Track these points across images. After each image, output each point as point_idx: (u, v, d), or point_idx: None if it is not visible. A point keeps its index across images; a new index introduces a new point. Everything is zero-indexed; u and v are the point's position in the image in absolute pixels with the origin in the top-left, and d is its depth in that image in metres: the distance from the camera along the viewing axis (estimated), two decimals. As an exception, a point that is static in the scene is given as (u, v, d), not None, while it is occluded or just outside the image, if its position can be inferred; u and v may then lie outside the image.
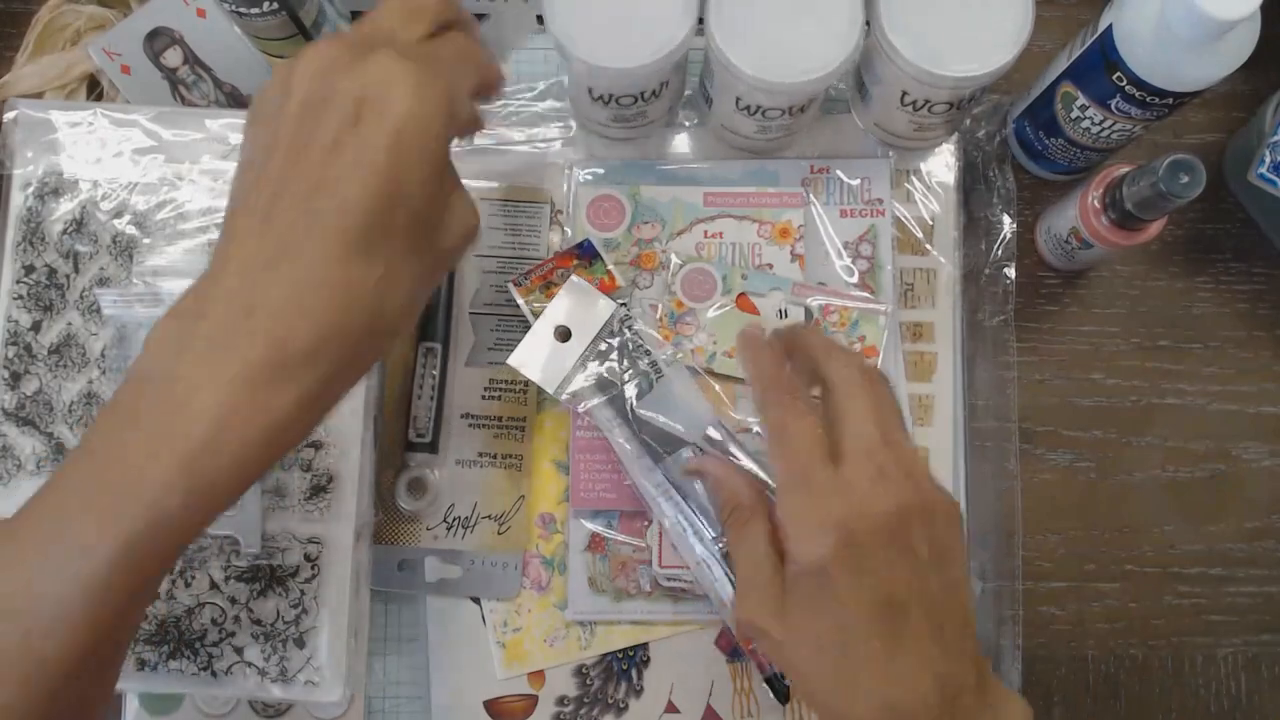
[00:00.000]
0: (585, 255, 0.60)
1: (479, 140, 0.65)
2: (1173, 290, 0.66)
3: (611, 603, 0.59)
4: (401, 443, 0.59)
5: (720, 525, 0.49)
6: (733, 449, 0.54)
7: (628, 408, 0.56)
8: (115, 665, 0.37)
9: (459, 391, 0.61)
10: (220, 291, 0.34)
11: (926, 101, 0.57)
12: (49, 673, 0.32)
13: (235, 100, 0.64)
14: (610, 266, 0.60)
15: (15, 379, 0.59)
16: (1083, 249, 0.60)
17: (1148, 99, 0.53)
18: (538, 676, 0.60)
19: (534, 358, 0.57)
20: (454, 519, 0.60)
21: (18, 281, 0.59)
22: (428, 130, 0.35)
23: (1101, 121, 0.57)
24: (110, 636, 0.34)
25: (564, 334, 0.57)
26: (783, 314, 0.60)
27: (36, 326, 0.59)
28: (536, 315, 0.58)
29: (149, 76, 0.63)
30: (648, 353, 0.57)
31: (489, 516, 0.60)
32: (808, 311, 0.61)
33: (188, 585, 0.56)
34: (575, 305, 0.57)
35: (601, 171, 0.63)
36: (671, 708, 0.60)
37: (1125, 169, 0.56)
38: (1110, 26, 0.52)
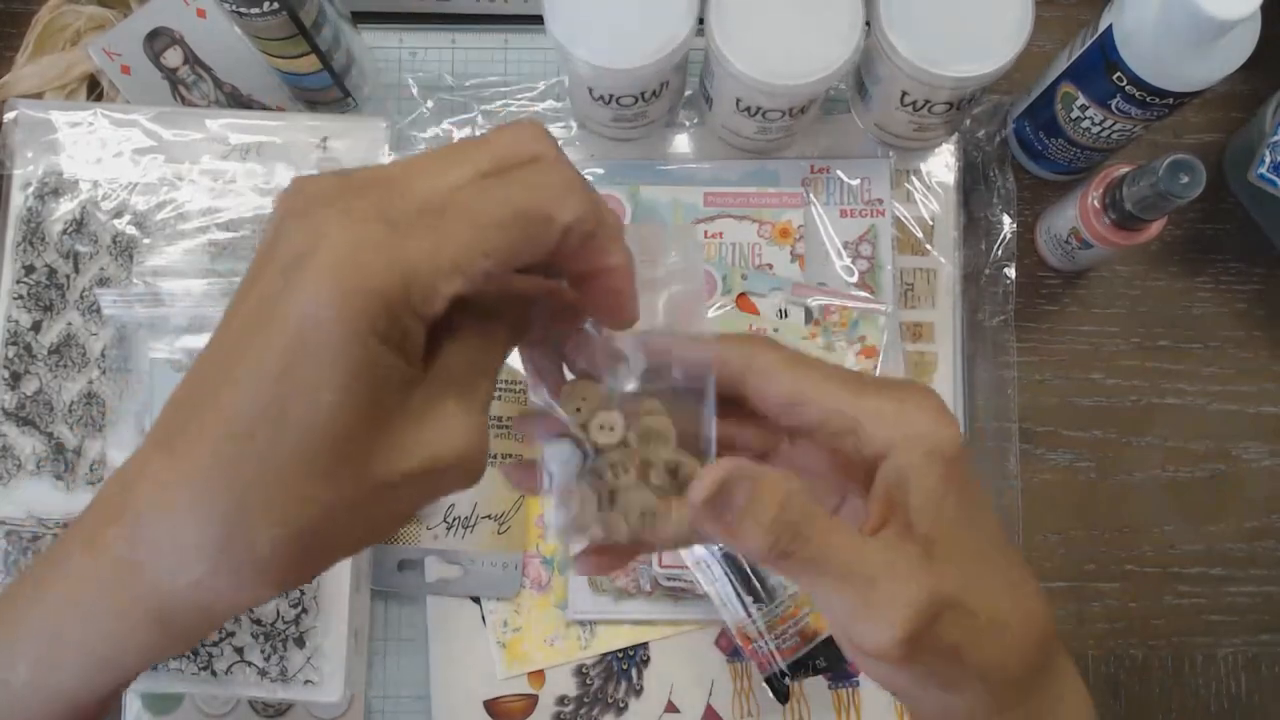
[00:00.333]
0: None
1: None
2: (1173, 290, 0.66)
3: (612, 603, 0.59)
4: (402, 443, 0.59)
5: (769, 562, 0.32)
6: None
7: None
8: None
9: (459, 391, 0.61)
10: (104, 509, 0.28)
11: (926, 102, 0.57)
12: None
13: (235, 100, 0.64)
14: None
15: (15, 379, 0.59)
16: (1083, 249, 0.60)
17: (1148, 99, 0.53)
18: (538, 676, 0.60)
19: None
20: (454, 519, 0.60)
21: (18, 281, 0.59)
22: (345, 322, 0.24)
23: (1101, 121, 0.57)
24: None
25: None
26: (783, 314, 0.60)
27: (37, 326, 0.59)
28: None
29: (149, 76, 0.63)
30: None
31: (489, 516, 0.60)
32: (808, 311, 0.61)
33: (188, 585, 0.56)
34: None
35: (601, 171, 0.63)
36: (671, 707, 0.60)
37: (1125, 169, 0.56)
38: (1110, 26, 0.52)
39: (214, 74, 0.63)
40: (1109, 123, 0.57)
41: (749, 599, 0.56)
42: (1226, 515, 0.64)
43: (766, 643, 0.57)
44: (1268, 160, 0.60)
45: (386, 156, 0.60)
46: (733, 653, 0.60)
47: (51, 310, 0.59)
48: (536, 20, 0.55)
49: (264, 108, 0.64)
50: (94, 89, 0.64)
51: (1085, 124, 0.58)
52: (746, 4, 0.54)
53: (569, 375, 0.33)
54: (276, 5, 0.53)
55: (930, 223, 0.64)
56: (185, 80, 0.63)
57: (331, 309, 0.24)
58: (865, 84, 0.61)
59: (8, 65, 0.64)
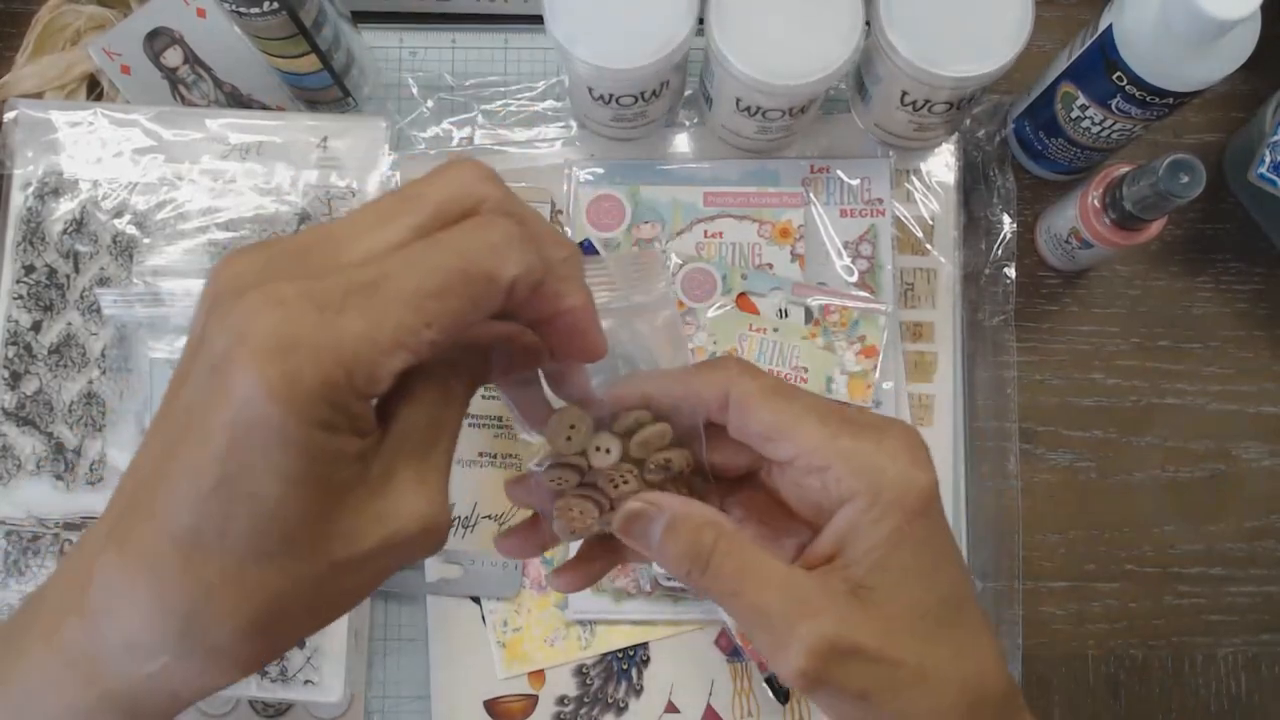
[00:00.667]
0: (585, 255, 0.60)
1: (479, 140, 0.65)
2: (1173, 290, 0.66)
3: (611, 603, 0.59)
4: (401, 443, 0.59)
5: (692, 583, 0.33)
6: None
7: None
8: None
9: (459, 391, 0.61)
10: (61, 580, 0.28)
11: (926, 101, 0.57)
12: None
13: (235, 100, 0.64)
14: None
15: (15, 379, 0.59)
16: (1083, 249, 0.60)
17: (1148, 99, 0.53)
18: (538, 676, 0.60)
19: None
20: (454, 519, 0.60)
21: (18, 281, 0.59)
22: (280, 420, 0.23)
23: (1101, 121, 0.57)
24: None
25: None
26: (783, 314, 0.60)
27: (37, 326, 0.59)
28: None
29: (149, 76, 0.63)
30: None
31: (489, 516, 0.60)
32: (808, 311, 0.61)
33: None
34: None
35: (601, 171, 0.63)
36: (671, 707, 0.60)
37: (1125, 169, 0.56)
38: (1110, 26, 0.52)
39: (214, 74, 0.63)
40: (1109, 122, 0.57)
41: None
42: (1226, 515, 0.64)
43: (766, 642, 0.57)
44: (1268, 160, 0.60)
45: (386, 156, 0.60)
46: (733, 653, 0.60)
47: (51, 310, 0.59)
48: (536, 20, 0.55)
49: (264, 107, 0.64)
50: (94, 89, 0.64)
51: (1085, 124, 0.58)
52: (746, 4, 0.54)
53: (556, 401, 0.33)
54: (276, 5, 0.53)
55: (930, 222, 0.64)
56: (185, 80, 0.63)
57: (264, 407, 0.23)
58: (865, 84, 0.61)
59: (8, 65, 0.64)
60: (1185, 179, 0.51)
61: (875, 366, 0.60)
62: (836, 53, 0.54)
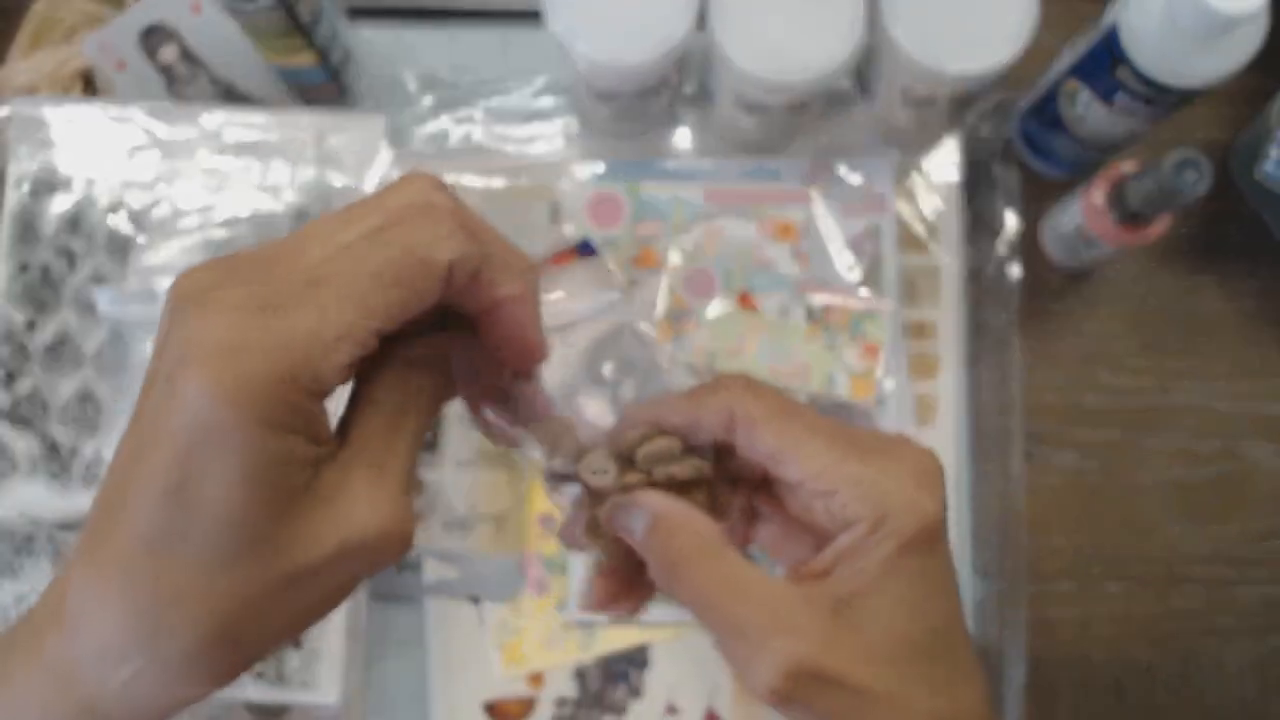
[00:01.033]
0: (585, 253, 0.60)
1: (477, 137, 0.64)
2: (1179, 289, 0.65)
3: (611, 604, 0.59)
4: (399, 442, 0.59)
5: (667, 586, 0.32)
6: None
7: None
8: None
9: (457, 391, 0.60)
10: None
11: (929, 98, 0.56)
12: None
13: (231, 96, 0.63)
14: (611, 265, 0.60)
15: (9, 378, 0.58)
16: (1087, 247, 0.60)
17: (1153, 95, 0.52)
18: (537, 678, 0.59)
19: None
20: (453, 519, 0.59)
21: (12, 279, 0.59)
22: (231, 421, 0.24)
23: (1106, 118, 0.56)
24: None
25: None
26: (785, 312, 0.60)
27: (31, 325, 0.58)
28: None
29: (144, 72, 0.63)
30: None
31: (488, 517, 0.60)
32: (810, 310, 0.60)
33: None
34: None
35: (602, 168, 0.63)
36: (671, 710, 0.59)
37: (1130, 166, 0.55)
38: (1115, 22, 0.52)
39: (209, 70, 0.63)
40: (1114, 120, 0.56)
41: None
42: (1234, 516, 0.63)
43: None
44: (1274, 157, 0.59)
45: (384, 152, 0.60)
46: (734, 655, 0.60)
47: (46, 308, 0.59)
48: (536, 15, 0.54)
49: (260, 104, 0.63)
50: (88, 85, 0.64)
51: (1090, 121, 0.57)
52: (748, 0, 0.54)
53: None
54: (273, 1, 0.52)
55: (933, 220, 0.63)
56: (180, 76, 0.63)
57: (214, 411, 0.24)
58: (868, 80, 0.60)
59: (1, 61, 0.64)
60: (1191, 177, 0.51)
61: (878, 365, 0.60)
62: (839, 49, 0.53)
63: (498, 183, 0.63)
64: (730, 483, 0.35)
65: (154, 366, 0.26)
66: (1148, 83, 0.52)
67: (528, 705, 0.59)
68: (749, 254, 0.61)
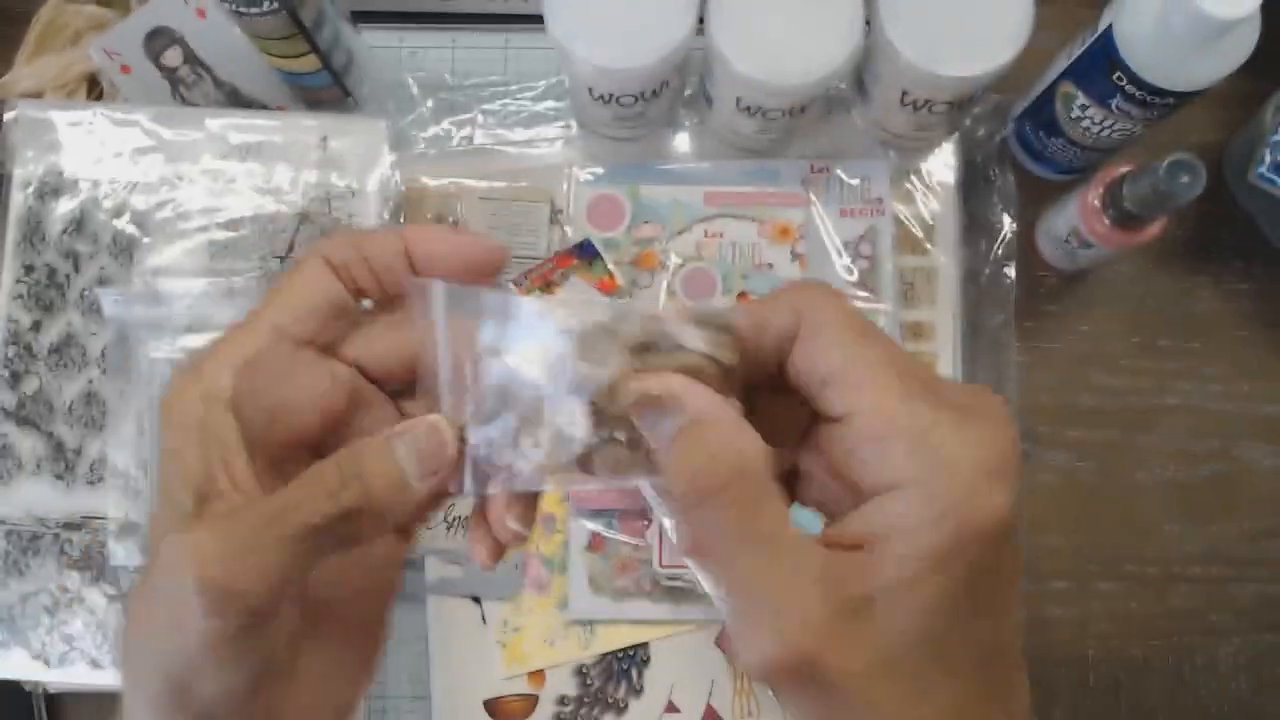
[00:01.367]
0: (585, 255, 0.60)
1: (479, 140, 0.65)
2: (1173, 290, 0.66)
3: (611, 602, 0.59)
4: (401, 442, 0.59)
5: (684, 511, 0.26)
6: None
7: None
8: None
9: (459, 391, 0.61)
10: None
11: (927, 101, 0.57)
12: None
13: (235, 100, 0.64)
14: (610, 266, 0.60)
15: (15, 378, 0.59)
16: (1083, 249, 0.60)
17: (1148, 98, 0.53)
18: (538, 676, 0.60)
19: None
20: (454, 519, 0.60)
21: (18, 281, 0.59)
22: (210, 608, 0.24)
23: (1102, 121, 0.57)
24: None
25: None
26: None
27: (37, 326, 0.59)
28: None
29: (149, 76, 0.63)
30: None
31: (489, 516, 0.60)
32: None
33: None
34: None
35: (601, 171, 0.63)
36: (671, 707, 0.59)
37: (1125, 169, 0.56)
38: (1110, 26, 0.52)
39: (214, 73, 0.63)
40: (1109, 122, 0.57)
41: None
42: (1228, 515, 0.64)
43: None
44: (1268, 160, 0.60)
45: (386, 156, 0.60)
46: (733, 652, 0.60)
47: (51, 310, 0.59)
48: (537, 20, 0.55)
49: (264, 107, 0.64)
50: (94, 89, 0.64)
51: (1085, 123, 0.58)
52: (747, 3, 0.54)
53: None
54: (276, 4, 0.53)
55: (930, 222, 0.64)
56: (185, 80, 0.63)
57: (200, 596, 0.25)
58: (865, 83, 0.61)
59: (7, 65, 0.64)
60: (1185, 179, 0.51)
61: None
62: (837, 52, 0.54)
63: (498, 185, 0.63)
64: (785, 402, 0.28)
65: (143, 581, 0.27)
66: (1142, 86, 0.52)
67: (529, 703, 0.60)
68: (748, 256, 0.62)
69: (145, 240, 0.59)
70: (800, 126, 0.62)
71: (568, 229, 0.63)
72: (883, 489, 0.25)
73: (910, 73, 0.54)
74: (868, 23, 0.55)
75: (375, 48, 0.66)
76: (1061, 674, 0.62)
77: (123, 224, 0.59)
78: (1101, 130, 0.58)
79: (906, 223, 0.64)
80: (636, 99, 0.58)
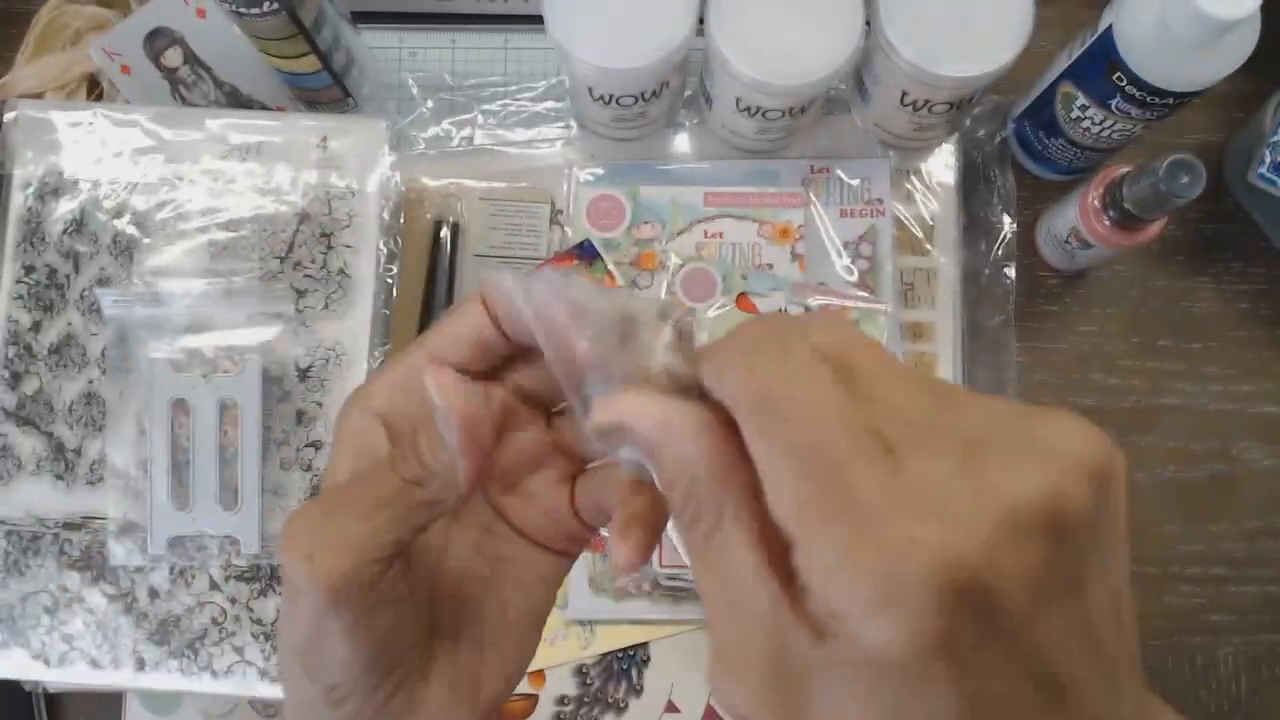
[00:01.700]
0: (585, 255, 0.60)
1: (479, 140, 0.65)
2: (1173, 290, 0.66)
3: (611, 603, 0.59)
4: (401, 443, 0.59)
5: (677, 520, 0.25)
6: None
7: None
8: None
9: (459, 391, 0.61)
10: None
11: (926, 102, 0.57)
12: None
13: (235, 100, 0.64)
14: (610, 266, 0.60)
15: (15, 379, 0.59)
16: (1083, 249, 0.60)
17: (1148, 99, 0.53)
18: (538, 676, 0.60)
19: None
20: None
21: (18, 281, 0.59)
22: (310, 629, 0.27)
23: (1101, 121, 0.57)
24: None
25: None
26: (783, 314, 0.60)
27: (37, 326, 0.59)
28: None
29: (149, 76, 0.63)
30: None
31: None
32: (808, 311, 0.61)
33: (188, 585, 0.56)
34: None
35: (601, 171, 0.63)
36: (671, 707, 0.60)
37: (1125, 169, 0.56)
38: (1110, 26, 0.52)
39: (214, 74, 0.63)
40: (1109, 123, 0.57)
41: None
42: (1227, 515, 0.64)
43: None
44: (1268, 160, 0.60)
45: (386, 156, 0.60)
46: (733, 653, 0.60)
47: (51, 310, 0.59)
48: (537, 20, 0.55)
49: (264, 108, 0.64)
50: (94, 89, 0.64)
51: (1085, 124, 0.58)
52: (746, 4, 0.54)
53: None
54: (276, 5, 0.53)
55: (930, 222, 0.64)
56: (185, 80, 0.63)
57: (298, 626, 0.28)
58: (865, 84, 0.61)
59: (8, 65, 0.64)
60: (1185, 179, 0.51)
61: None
62: (836, 53, 0.54)
63: (498, 186, 0.63)
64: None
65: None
66: (1142, 86, 0.52)
67: (529, 703, 0.60)
68: (748, 256, 0.62)
69: (145, 240, 0.59)
70: (800, 127, 0.62)
71: (568, 229, 0.63)
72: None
73: (910, 73, 0.54)
74: (868, 23, 0.55)
75: (375, 48, 0.66)
76: (1061, 674, 0.62)
77: (123, 224, 0.59)
78: (1101, 130, 0.58)
79: (906, 223, 0.64)
80: (636, 99, 0.58)
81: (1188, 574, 0.63)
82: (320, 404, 0.58)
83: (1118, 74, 0.53)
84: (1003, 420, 0.22)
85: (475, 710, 0.30)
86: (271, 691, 0.56)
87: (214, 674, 0.55)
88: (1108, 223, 0.57)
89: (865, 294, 0.62)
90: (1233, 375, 0.65)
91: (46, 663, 0.57)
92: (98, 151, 0.60)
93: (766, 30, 0.54)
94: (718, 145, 0.64)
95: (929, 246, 0.64)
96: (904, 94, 0.57)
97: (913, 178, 0.64)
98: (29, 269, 0.59)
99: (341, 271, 0.59)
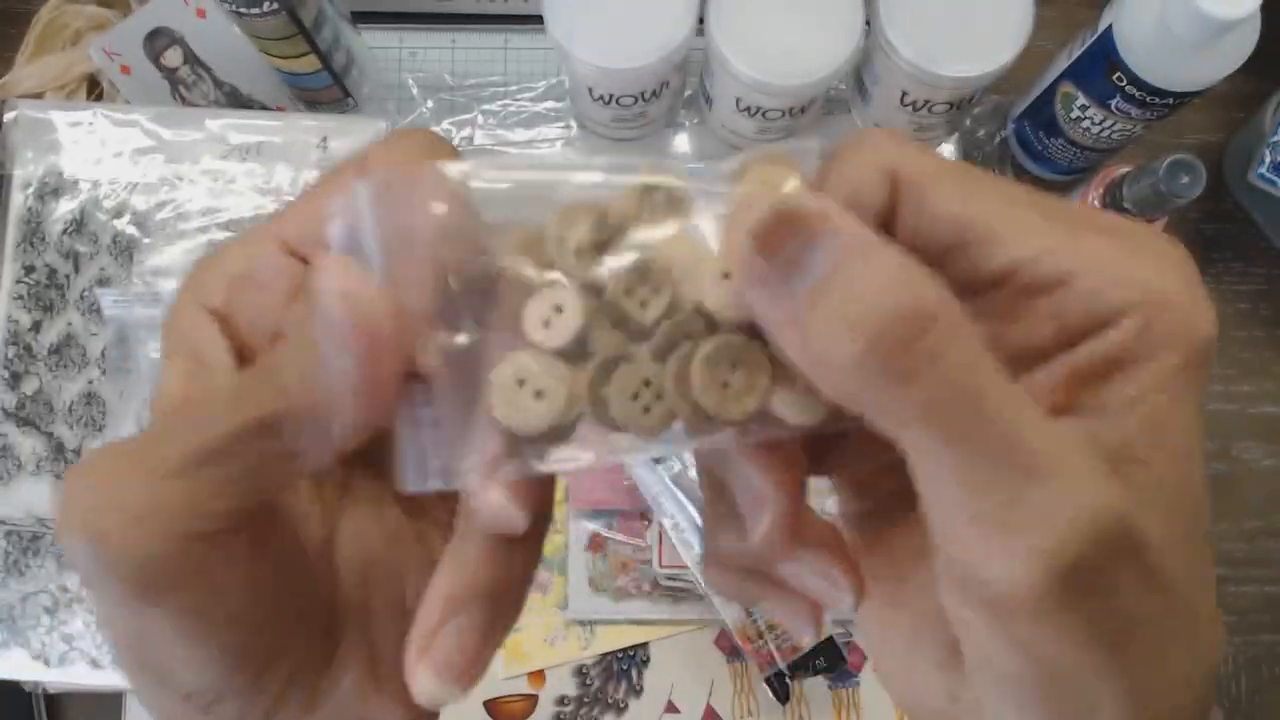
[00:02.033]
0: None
1: (479, 140, 0.65)
2: (1173, 290, 0.66)
3: (611, 603, 0.59)
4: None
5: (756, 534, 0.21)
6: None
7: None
8: None
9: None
10: None
11: (926, 102, 0.57)
12: None
13: (235, 100, 0.64)
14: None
15: (15, 379, 0.59)
16: (1083, 249, 0.60)
17: (1148, 99, 0.53)
18: (538, 676, 0.60)
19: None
20: (454, 519, 0.60)
21: (18, 281, 0.59)
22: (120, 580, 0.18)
23: (1101, 121, 0.57)
24: None
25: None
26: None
27: (37, 326, 0.59)
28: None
29: (149, 76, 0.63)
30: None
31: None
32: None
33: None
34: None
35: (602, 171, 0.63)
36: (671, 707, 0.60)
37: (1125, 169, 0.56)
38: (1110, 26, 0.52)
39: (214, 74, 0.63)
40: (1109, 123, 0.57)
41: (749, 599, 0.56)
42: (1227, 515, 0.64)
43: (766, 642, 0.57)
44: (1268, 160, 0.60)
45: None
46: (732, 652, 0.60)
47: (52, 310, 0.59)
48: (537, 20, 0.55)
49: (264, 108, 0.64)
50: (94, 89, 0.64)
51: (1085, 124, 0.58)
52: (746, 4, 0.54)
53: None
54: (276, 5, 0.53)
55: (930, 223, 0.64)
56: (185, 80, 0.63)
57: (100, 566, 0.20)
58: (865, 83, 0.61)
59: (8, 65, 0.64)
60: (1185, 179, 0.51)
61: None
62: (837, 52, 0.54)
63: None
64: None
65: None
66: (1142, 86, 0.52)
67: (529, 703, 0.60)
68: (748, 256, 0.62)
69: (145, 241, 0.59)
70: (800, 127, 0.62)
71: (568, 229, 0.63)
72: (1077, 335, 0.19)
73: (910, 73, 0.54)
74: (868, 23, 0.55)
75: (375, 48, 0.66)
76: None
77: (123, 224, 0.59)
78: (1101, 130, 0.58)
79: (906, 223, 0.64)
80: (636, 99, 0.58)
81: (1188, 574, 0.63)
82: (320, 404, 0.58)
83: (1118, 74, 0.53)
84: None
85: (404, 697, 0.22)
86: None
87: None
88: (1108, 223, 0.57)
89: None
90: (1233, 375, 0.65)
91: (46, 663, 0.57)
92: (98, 151, 0.60)
93: (766, 30, 0.54)
94: (718, 145, 0.64)
95: (929, 246, 0.64)
96: (904, 94, 0.57)
97: (913, 178, 0.64)
98: (29, 269, 0.59)
99: (341, 271, 0.59)
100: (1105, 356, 0.19)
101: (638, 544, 0.59)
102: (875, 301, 0.17)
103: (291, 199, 0.22)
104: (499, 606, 0.22)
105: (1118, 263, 0.19)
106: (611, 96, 0.58)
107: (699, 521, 0.55)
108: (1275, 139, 0.59)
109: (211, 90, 0.64)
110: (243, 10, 0.53)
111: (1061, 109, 0.59)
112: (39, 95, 0.63)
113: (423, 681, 0.21)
